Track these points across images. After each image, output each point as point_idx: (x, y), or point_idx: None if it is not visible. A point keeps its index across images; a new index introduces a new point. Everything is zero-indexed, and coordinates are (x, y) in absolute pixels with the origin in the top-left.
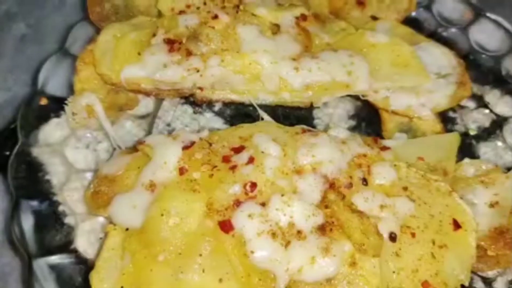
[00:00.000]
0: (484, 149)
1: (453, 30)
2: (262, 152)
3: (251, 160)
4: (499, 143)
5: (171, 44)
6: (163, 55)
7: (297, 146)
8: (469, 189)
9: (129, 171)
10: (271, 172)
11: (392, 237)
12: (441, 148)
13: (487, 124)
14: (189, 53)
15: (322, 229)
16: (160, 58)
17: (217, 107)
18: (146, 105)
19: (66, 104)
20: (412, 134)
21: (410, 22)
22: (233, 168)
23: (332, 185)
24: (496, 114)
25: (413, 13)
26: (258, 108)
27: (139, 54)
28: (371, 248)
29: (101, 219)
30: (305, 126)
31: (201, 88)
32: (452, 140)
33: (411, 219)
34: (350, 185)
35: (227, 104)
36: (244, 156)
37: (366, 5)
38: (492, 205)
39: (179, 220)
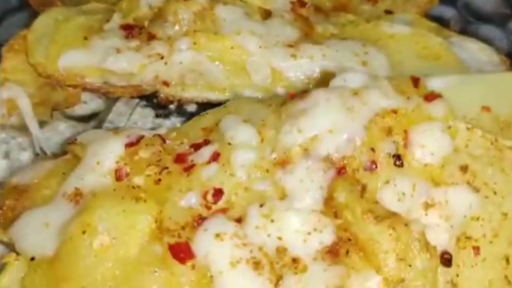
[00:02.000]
0: None
1: (487, 26)
2: (229, 143)
3: (214, 156)
4: None
5: (129, 29)
6: (117, 40)
7: (281, 122)
8: None
9: (49, 179)
10: (243, 172)
11: (446, 259)
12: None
13: None
14: (151, 37)
15: (331, 253)
16: (112, 43)
17: (189, 109)
18: (91, 104)
19: None
20: None
21: (433, 20)
22: (189, 169)
23: (340, 172)
24: None
25: (436, 11)
26: None
27: (85, 39)
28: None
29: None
30: (297, 91)
31: (166, 83)
32: None
33: (472, 224)
34: (373, 166)
35: (202, 106)
36: (205, 152)
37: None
38: None
39: (110, 240)
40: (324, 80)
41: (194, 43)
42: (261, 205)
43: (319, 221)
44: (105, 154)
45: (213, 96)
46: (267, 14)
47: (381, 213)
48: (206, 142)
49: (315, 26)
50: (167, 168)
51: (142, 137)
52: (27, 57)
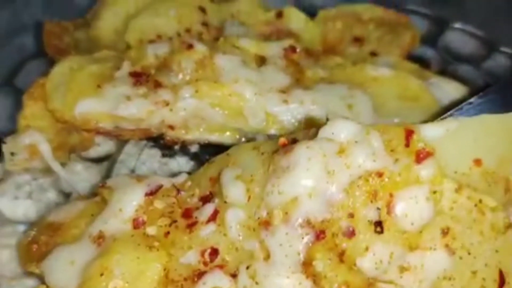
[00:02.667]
0: None
1: (465, 66)
2: (225, 201)
3: (214, 215)
4: None
5: (138, 77)
6: (126, 88)
7: (267, 180)
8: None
9: (80, 219)
10: (234, 231)
11: None
12: (503, 136)
13: None
14: (157, 85)
15: None
16: (123, 90)
17: (193, 150)
18: (104, 147)
19: (4, 142)
20: None
21: (415, 60)
22: (191, 226)
23: (319, 236)
24: None
25: (417, 52)
26: None
27: (98, 86)
28: None
29: (33, 282)
30: (290, 136)
31: (171, 127)
32: None
33: (444, 283)
34: (352, 232)
35: (204, 147)
36: (207, 209)
37: (364, 42)
38: None
39: (123, 284)
40: (313, 124)
41: (196, 91)
42: (248, 267)
43: (300, 285)
44: (127, 202)
45: (214, 137)
46: (262, 61)
47: (357, 285)
48: (211, 196)
49: (305, 71)
50: (175, 221)
51: (161, 186)
52: (45, 104)
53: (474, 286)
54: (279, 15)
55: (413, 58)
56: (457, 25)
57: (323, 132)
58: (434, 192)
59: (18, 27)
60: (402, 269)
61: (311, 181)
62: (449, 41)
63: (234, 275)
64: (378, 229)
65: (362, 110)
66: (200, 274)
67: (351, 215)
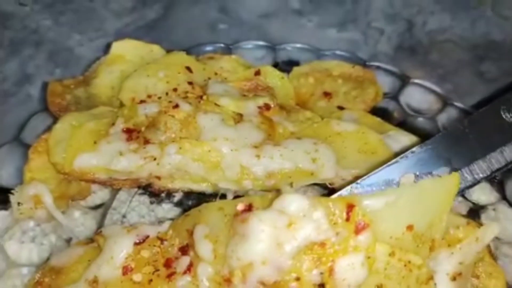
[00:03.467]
0: None
1: (421, 119)
2: (197, 256)
3: (189, 267)
4: None
5: (129, 133)
6: (120, 144)
7: (228, 244)
8: (432, 254)
9: (78, 264)
10: (205, 284)
11: None
12: (435, 201)
13: (464, 212)
14: (146, 142)
15: None
16: (116, 146)
17: (177, 197)
18: (100, 195)
19: (12, 193)
20: None
21: (379, 111)
22: (170, 276)
23: None
24: (473, 203)
25: (382, 104)
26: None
27: (94, 143)
28: None
29: None
30: (245, 200)
31: (158, 177)
32: (449, 190)
33: None
34: None
35: (187, 194)
36: (184, 261)
37: (332, 96)
38: (454, 278)
39: None
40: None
41: (180, 148)
42: None
43: None
44: (118, 251)
45: (195, 186)
46: (239, 117)
47: None
48: (187, 248)
49: (277, 127)
50: (158, 270)
51: (147, 236)
52: (48, 157)
53: None
54: (257, 73)
55: (376, 110)
56: (417, 80)
57: (276, 204)
58: (369, 258)
59: (24, 78)
60: None
61: (263, 251)
62: (409, 95)
63: None
64: None
65: (325, 163)
66: None
67: (298, 279)
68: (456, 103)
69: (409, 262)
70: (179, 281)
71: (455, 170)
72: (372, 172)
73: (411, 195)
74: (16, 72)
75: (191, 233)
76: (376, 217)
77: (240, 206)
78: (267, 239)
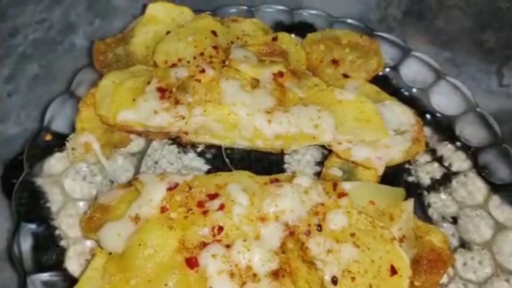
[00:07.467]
0: (434, 199)
1: (415, 90)
2: (232, 200)
3: (221, 207)
4: (447, 195)
5: (163, 92)
6: (154, 102)
7: (264, 196)
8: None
9: (121, 203)
10: (238, 219)
11: (334, 281)
12: (390, 196)
13: (438, 176)
14: (177, 102)
15: (275, 274)
16: (151, 104)
17: (199, 148)
18: (137, 144)
19: (67, 140)
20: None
21: (381, 78)
22: (205, 213)
23: (292, 233)
24: (447, 168)
25: (384, 72)
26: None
27: (133, 100)
28: None
29: (90, 243)
30: (273, 176)
31: (186, 133)
32: (399, 193)
33: (353, 264)
34: (308, 233)
35: (208, 147)
36: (216, 203)
37: (339, 64)
38: (401, 240)
39: (153, 251)
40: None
41: (205, 111)
42: (244, 240)
43: (273, 256)
44: (154, 195)
45: (215, 141)
46: (256, 82)
47: (305, 259)
48: (217, 195)
49: (287, 92)
50: (191, 209)
51: (177, 184)
52: (95, 110)
53: (373, 270)
54: (275, 38)
55: (377, 77)
56: (417, 54)
57: (296, 180)
58: (348, 212)
59: (68, 27)
60: (329, 252)
61: (292, 204)
62: (408, 66)
63: (227, 246)
64: (319, 229)
65: (326, 128)
66: (205, 244)
67: (309, 225)
68: (449, 78)
69: (373, 221)
70: (214, 215)
71: None
72: None
73: (372, 186)
74: (60, 20)
75: (220, 187)
76: (350, 192)
77: (271, 179)
78: (294, 199)
